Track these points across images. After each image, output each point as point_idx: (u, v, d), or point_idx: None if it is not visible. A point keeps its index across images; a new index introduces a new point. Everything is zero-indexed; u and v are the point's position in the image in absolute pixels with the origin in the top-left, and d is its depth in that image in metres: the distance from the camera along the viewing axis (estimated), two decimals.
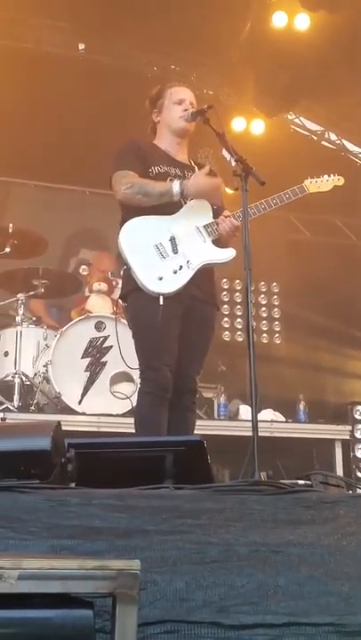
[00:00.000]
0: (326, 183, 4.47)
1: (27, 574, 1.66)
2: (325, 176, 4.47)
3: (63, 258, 8.07)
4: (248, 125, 8.82)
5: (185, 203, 4.13)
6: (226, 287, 8.55)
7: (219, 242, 4.16)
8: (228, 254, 4.17)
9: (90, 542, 2.09)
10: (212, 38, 7.70)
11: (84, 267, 7.34)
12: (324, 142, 9.53)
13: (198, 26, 7.49)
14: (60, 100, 7.58)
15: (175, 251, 4.04)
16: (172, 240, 4.06)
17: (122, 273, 4.19)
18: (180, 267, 4.02)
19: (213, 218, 4.17)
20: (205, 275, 4.17)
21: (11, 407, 5.74)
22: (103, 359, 5.88)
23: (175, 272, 4.02)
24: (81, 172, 7.99)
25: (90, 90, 7.81)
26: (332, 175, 4.50)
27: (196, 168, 4.29)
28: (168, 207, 4.11)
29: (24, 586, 1.64)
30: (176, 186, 4.03)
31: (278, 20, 7.68)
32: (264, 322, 8.76)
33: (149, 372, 4.04)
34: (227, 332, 8.52)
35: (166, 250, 4.04)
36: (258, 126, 8.84)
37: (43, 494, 2.45)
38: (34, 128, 7.76)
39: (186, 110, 4.24)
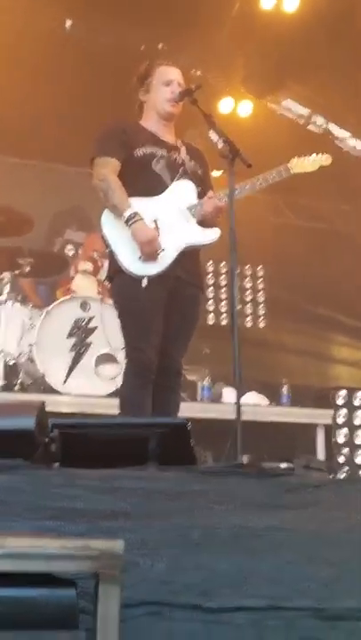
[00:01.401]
0: (312, 163, 4.37)
1: (9, 553, 1.66)
2: (311, 156, 4.37)
3: (48, 237, 8.03)
4: (235, 107, 8.79)
5: (170, 183, 4.12)
6: (211, 270, 8.55)
7: (203, 223, 4.15)
8: (211, 236, 4.17)
9: (73, 524, 2.09)
10: (201, 19, 7.65)
11: (70, 246, 7.32)
12: (310, 126, 9.50)
13: (187, 6, 7.44)
14: (46, 77, 7.51)
15: (158, 233, 4.03)
16: (156, 222, 4.05)
17: (107, 254, 4.18)
18: (164, 249, 4.02)
19: (198, 198, 4.16)
20: (190, 256, 4.17)
21: None
22: (88, 340, 5.87)
23: (158, 254, 4.01)
24: (67, 150, 7.94)
25: (76, 67, 7.74)
26: (318, 154, 4.40)
27: (183, 147, 4.27)
28: (152, 188, 4.10)
29: (6, 564, 1.65)
30: (127, 214, 3.95)
31: (267, 1, 7.64)
32: (249, 305, 8.77)
33: (134, 352, 4.05)
34: (211, 315, 8.53)
35: None
36: (245, 108, 8.81)
37: (26, 474, 2.45)
38: (20, 105, 7.69)
39: (173, 92, 4.22)
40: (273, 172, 4.24)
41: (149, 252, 3.95)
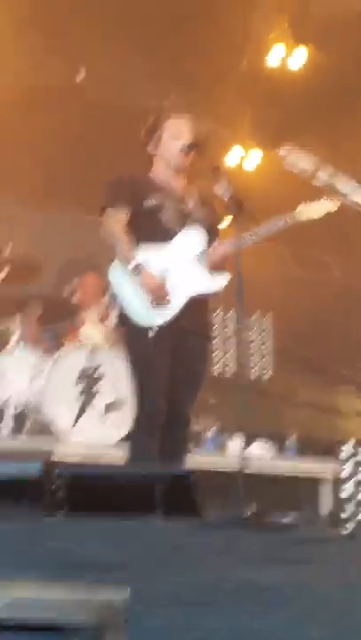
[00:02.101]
0: (319, 209, 4.37)
1: (12, 603, 1.66)
2: (317, 202, 4.37)
3: (58, 284, 8.08)
4: (241, 160, 8.90)
5: (178, 232, 4.18)
6: (218, 320, 8.56)
7: (210, 271, 4.19)
8: (218, 284, 4.21)
9: (77, 573, 2.10)
10: (208, 73, 7.79)
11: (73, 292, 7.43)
12: (316, 180, 9.59)
13: (195, 61, 7.59)
14: (57, 128, 7.64)
15: (168, 281, 4.08)
16: (163, 270, 4.10)
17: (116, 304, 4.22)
18: (169, 298, 4.06)
19: (206, 246, 4.21)
20: (198, 307, 4.19)
21: (2, 433, 5.73)
22: (96, 387, 5.88)
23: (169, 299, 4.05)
24: (78, 198, 8.03)
25: (86, 118, 7.88)
26: (326, 200, 4.42)
27: (192, 197, 4.31)
28: (161, 238, 4.16)
29: (9, 614, 1.64)
30: (131, 265, 4.03)
31: (273, 57, 7.81)
32: (255, 356, 8.77)
33: (142, 403, 4.06)
34: (217, 366, 8.52)
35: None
36: (251, 162, 8.92)
37: (32, 522, 2.46)
38: (31, 154, 7.81)
39: (183, 145, 4.27)
40: (280, 219, 4.25)
41: (160, 295, 4.01)
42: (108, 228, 4.17)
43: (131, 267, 4.03)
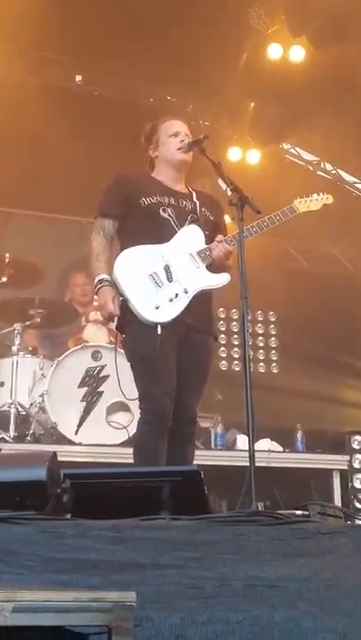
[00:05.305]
0: (316, 202, 4.47)
1: (21, 607, 1.63)
2: (315, 195, 4.47)
3: (59, 288, 8.07)
4: (244, 155, 8.88)
5: (178, 230, 4.16)
6: (222, 316, 8.55)
7: (213, 267, 4.18)
8: (222, 279, 4.20)
9: (85, 576, 2.07)
10: (209, 70, 7.76)
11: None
12: (320, 172, 9.59)
13: (195, 57, 7.56)
14: (57, 131, 7.62)
15: (170, 279, 4.07)
16: (167, 268, 4.08)
17: (119, 304, 4.19)
18: (176, 294, 4.05)
19: (206, 243, 4.19)
20: (202, 304, 4.18)
21: (6, 437, 5.71)
22: (100, 389, 5.86)
23: (171, 300, 4.04)
24: (77, 202, 8.02)
25: (87, 121, 7.86)
26: (321, 194, 4.50)
27: (194, 194, 4.33)
28: (161, 235, 4.15)
29: (18, 619, 1.62)
30: (98, 278, 4.16)
31: (273, 51, 7.77)
32: (261, 351, 8.74)
33: (149, 400, 4.03)
34: (224, 362, 8.50)
35: (161, 278, 4.06)
36: (254, 156, 8.91)
37: (38, 526, 2.43)
38: (32, 158, 7.80)
39: (182, 142, 4.29)
40: (279, 213, 4.31)
41: (105, 315, 4.22)
42: (91, 240, 4.24)
43: (95, 281, 4.15)
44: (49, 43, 7.72)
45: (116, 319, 4.22)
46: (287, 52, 7.76)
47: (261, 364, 8.69)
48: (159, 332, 3.96)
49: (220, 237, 4.20)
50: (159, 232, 4.15)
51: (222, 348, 8.50)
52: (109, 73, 8.30)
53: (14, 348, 6.14)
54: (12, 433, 5.76)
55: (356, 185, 9.64)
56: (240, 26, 7.62)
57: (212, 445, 6.54)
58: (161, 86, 8.61)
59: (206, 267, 4.17)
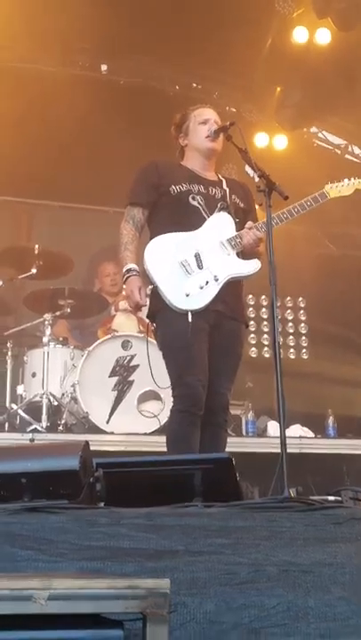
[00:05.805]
0: (348, 187, 4.41)
1: (57, 595, 1.65)
2: (346, 180, 4.42)
3: (88, 277, 8.09)
4: (271, 141, 8.82)
5: (208, 217, 4.15)
6: (252, 303, 8.52)
7: (243, 254, 4.18)
8: (253, 266, 4.19)
9: (119, 564, 2.08)
10: (234, 55, 7.72)
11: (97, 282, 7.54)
12: (348, 156, 9.50)
13: (219, 43, 7.51)
14: (84, 121, 7.62)
15: (200, 266, 4.07)
16: (197, 256, 4.09)
17: (148, 292, 4.20)
18: (207, 282, 4.05)
19: (237, 231, 4.18)
20: (232, 291, 4.18)
21: (39, 428, 5.75)
22: (130, 378, 5.88)
23: (202, 287, 4.04)
24: (104, 192, 8.03)
25: (113, 110, 7.85)
26: (352, 178, 4.44)
27: (224, 182, 4.34)
28: (191, 223, 4.15)
29: (54, 606, 1.63)
30: (126, 267, 4.17)
31: (299, 35, 7.70)
32: (291, 337, 8.71)
33: (182, 388, 4.03)
34: (253, 349, 8.48)
35: (191, 266, 4.07)
36: (281, 141, 8.85)
37: (71, 515, 2.45)
38: (59, 149, 7.81)
39: (210, 130, 4.29)
40: (310, 198, 4.28)
41: (132, 304, 4.19)
42: (121, 228, 4.25)
43: (124, 269, 4.14)
44: (74, 33, 7.71)
45: (144, 309, 4.22)
46: (313, 35, 7.66)
47: (291, 350, 8.65)
48: (190, 319, 3.96)
49: (250, 224, 4.20)
50: (189, 220, 4.15)
51: (252, 335, 8.48)
52: (134, 61, 8.27)
53: (45, 339, 6.17)
54: (44, 423, 5.80)
55: None
56: (265, 10, 7.55)
57: (244, 432, 6.54)
58: (186, 73, 8.57)
59: (237, 254, 4.17)
